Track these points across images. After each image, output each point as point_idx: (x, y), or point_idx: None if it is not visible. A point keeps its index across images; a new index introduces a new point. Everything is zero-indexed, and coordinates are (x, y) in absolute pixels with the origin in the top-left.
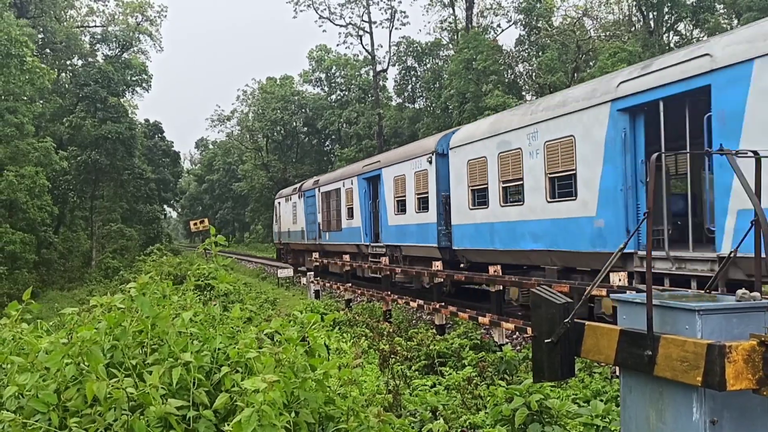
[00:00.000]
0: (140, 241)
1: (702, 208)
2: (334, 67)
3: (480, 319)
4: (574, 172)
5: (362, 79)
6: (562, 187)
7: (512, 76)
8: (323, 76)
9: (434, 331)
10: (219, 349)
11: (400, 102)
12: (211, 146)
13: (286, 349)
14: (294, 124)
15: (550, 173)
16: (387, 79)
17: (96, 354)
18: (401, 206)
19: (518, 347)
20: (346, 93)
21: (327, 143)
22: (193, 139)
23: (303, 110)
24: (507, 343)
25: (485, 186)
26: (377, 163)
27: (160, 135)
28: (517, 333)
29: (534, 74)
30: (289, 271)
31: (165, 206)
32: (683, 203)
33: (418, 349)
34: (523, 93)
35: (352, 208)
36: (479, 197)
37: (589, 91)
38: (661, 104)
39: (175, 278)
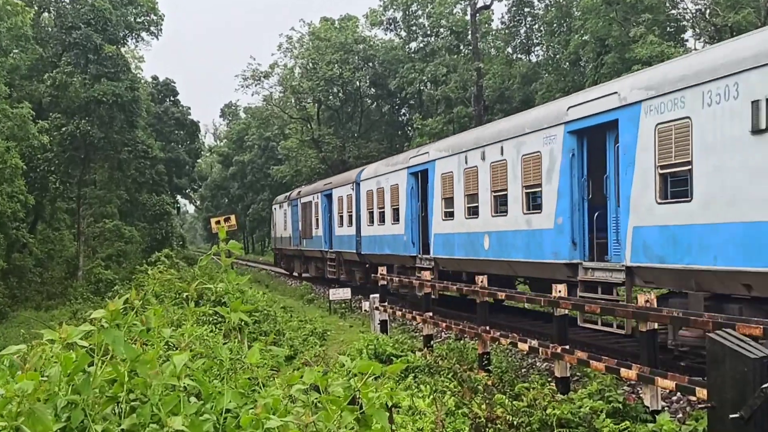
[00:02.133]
0: (143, 245)
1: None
2: (416, 4)
3: (622, 371)
4: (398, 206)
5: (455, 21)
6: (395, 216)
7: (674, 14)
8: (399, 16)
9: (554, 386)
10: (228, 410)
11: (509, 53)
12: (242, 114)
13: (326, 415)
14: (357, 83)
15: (392, 206)
16: (491, 19)
17: (42, 416)
18: (341, 220)
19: (680, 415)
20: (432, 40)
21: (403, 111)
22: (218, 107)
23: (370, 64)
24: (664, 409)
25: (372, 210)
26: (330, 184)
27: (172, 98)
28: (679, 394)
29: (708, 11)
30: (345, 293)
31: (178, 197)
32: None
33: (530, 413)
34: (689, 39)
35: (318, 219)
36: (371, 217)
37: (401, 160)
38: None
39: (186, 299)
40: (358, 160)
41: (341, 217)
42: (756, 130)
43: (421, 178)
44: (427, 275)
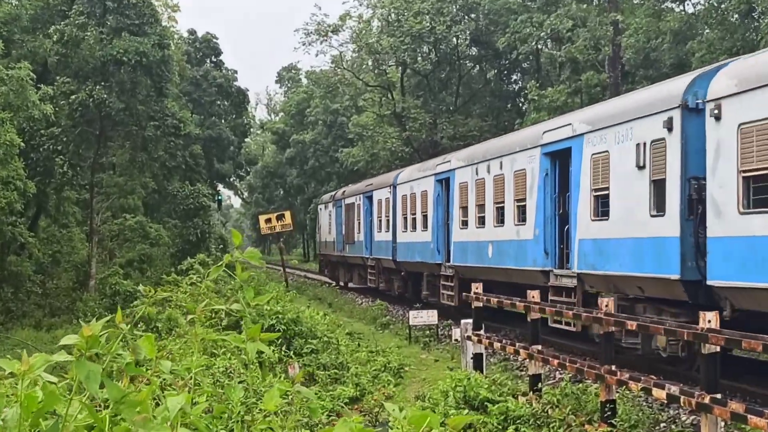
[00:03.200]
0: (173, 248)
1: None
2: None
3: None
4: (427, 213)
5: None
6: (425, 223)
7: None
8: None
9: None
10: None
11: (657, 1)
12: (303, 80)
13: None
14: (454, 41)
15: (422, 212)
16: None
17: None
18: (380, 225)
19: None
20: None
21: (514, 77)
22: (273, 72)
23: (472, 16)
24: None
25: (406, 215)
26: (371, 186)
27: (214, 59)
28: None
29: None
30: (430, 316)
31: (220, 187)
32: None
33: None
34: None
35: (360, 222)
36: (405, 223)
37: (430, 166)
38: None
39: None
40: (453, 141)
41: (380, 221)
42: (639, 167)
43: (445, 185)
44: (536, 295)
